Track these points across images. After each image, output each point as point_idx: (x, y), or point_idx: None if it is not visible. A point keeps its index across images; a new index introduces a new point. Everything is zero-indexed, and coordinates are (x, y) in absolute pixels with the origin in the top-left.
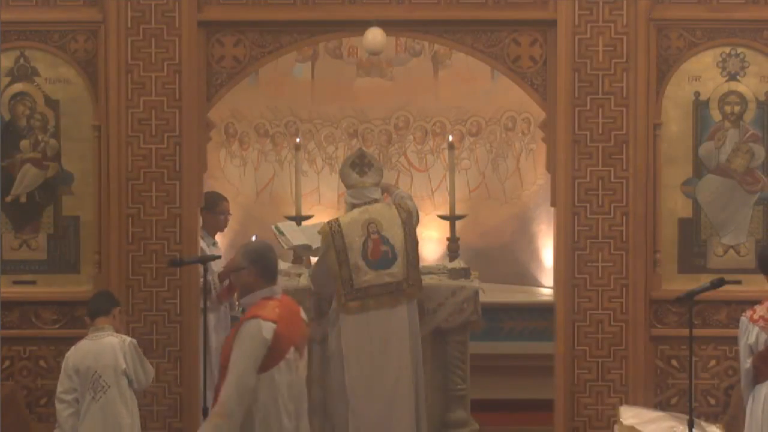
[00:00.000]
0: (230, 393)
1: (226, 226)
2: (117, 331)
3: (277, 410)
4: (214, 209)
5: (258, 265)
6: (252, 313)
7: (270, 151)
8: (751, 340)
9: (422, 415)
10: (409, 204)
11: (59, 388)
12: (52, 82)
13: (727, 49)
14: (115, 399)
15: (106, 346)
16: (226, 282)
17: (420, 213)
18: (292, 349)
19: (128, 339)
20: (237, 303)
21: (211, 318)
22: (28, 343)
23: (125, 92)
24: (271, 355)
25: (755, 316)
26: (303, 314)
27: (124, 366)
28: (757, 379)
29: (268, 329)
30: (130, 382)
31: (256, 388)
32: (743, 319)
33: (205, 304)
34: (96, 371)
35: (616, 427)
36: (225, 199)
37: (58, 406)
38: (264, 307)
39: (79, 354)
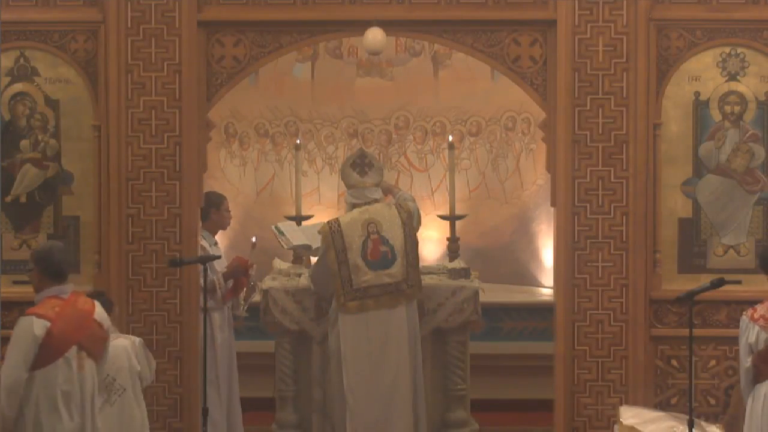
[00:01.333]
0: (0, 388)
1: (229, 224)
2: None
3: (53, 408)
4: (220, 207)
5: (41, 265)
6: (29, 310)
7: (270, 151)
8: (752, 339)
9: (421, 416)
10: (410, 205)
11: None
12: (52, 82)
13: (727, 49)
14: (131, 401)
15: (118, 348)
16: (230, 282)
17: (421, 213)
18: (74, 348)
19: (137, 339)
20: (241, 302)
21: (216, 317)
22: None
23: (125, 92)
24: (45, 353)
25: (756, 315)
26: (100, 316)
27: (138, 368)
28: (757, 378)
29: (39, 326)
30: (141, 382)
31: (29, 385)
32: (744, 318)
33: (205, 303)
34: (108, 374)
35: (616, 427)
36: (225, 197)
37: None
38: (43, 306)
39: None
